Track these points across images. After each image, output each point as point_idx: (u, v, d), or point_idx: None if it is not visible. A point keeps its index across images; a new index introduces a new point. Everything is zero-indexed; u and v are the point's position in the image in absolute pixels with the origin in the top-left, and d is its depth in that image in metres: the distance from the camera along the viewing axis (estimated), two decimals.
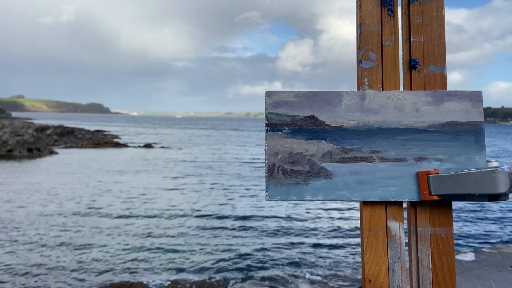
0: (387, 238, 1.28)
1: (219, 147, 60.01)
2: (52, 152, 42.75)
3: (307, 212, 18.59)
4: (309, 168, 1.13)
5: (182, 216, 17.93)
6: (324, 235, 15.25)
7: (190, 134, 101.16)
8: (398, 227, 1.30)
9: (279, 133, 1.13)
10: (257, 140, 75.59)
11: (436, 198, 1.19)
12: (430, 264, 1.27)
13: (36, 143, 45.31)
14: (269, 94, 1.17)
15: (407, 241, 1.34)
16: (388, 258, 1.28)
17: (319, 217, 17.82)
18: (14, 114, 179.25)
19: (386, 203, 1.26)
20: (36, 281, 10.79)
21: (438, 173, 1.19)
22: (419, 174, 1.19)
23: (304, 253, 13.12)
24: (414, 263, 1.30)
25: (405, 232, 1.33)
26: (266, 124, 1.15)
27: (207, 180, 28.18)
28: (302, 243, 14.10)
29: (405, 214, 1.35)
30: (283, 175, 1.14)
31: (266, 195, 1.16)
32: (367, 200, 1.22)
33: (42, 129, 59.53)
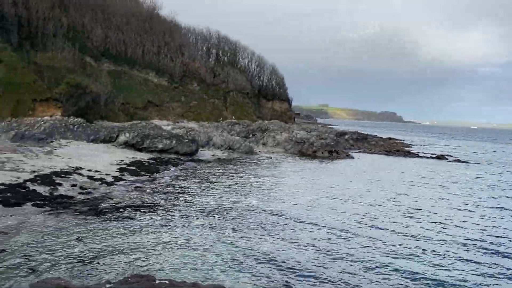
0: None
1: None
2: (348, 155, 47.22)
3: None
4: None
5: None
6: None
7: (489, 148, 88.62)
8: None
9: None
10: None
11: None
12: None
13: (335, 146, 51.02)
14: None
15: None
16: None
17: None
18: (319, 120, 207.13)
19: None
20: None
21: None
22: None
23: None
24: None
25: None
26: None
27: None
28: None
29: None
30: None
31: None
32: None
33: (341, 134, 66.31)
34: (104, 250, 12.48)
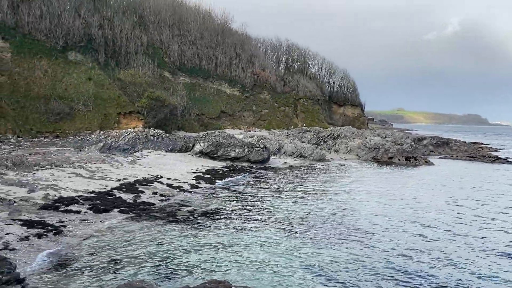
0: None
1: None
2: (427, 162, 44.54)
3: None
4: None
5: None
6: None
7: None
8: None
9: None
10: None
11: None
12: None
13: (413, 152, 48.42)
14: None
15: None
16: None
17: None
18: (395, 125, 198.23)
19: None
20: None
21: None
22: None
23: None
24: None
25: None
26: None
27: None
28: None
29: None
30: None
31: None
32: None
33: (419, 139, 62.82)
34: (183, 255, 13.06)
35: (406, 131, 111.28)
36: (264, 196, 23.02)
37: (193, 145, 35.88)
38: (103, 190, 20.39)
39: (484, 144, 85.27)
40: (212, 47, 66.05)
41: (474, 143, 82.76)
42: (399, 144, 49.71)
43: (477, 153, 58.39)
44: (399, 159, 44.23)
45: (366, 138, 52.83)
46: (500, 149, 73.90)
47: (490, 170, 41.53)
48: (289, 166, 37.61)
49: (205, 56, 63.79)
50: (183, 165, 30.52)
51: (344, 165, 40.25)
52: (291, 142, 45.49)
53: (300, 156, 42.54)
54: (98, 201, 18.40)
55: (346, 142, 50.80)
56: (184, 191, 23.09)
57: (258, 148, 36.89)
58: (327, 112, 77.63)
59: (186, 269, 11.92)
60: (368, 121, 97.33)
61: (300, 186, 26.82)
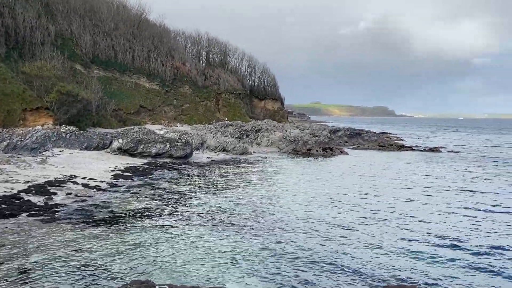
0: None
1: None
2: (342, 152, 47.31)
3: None
4: None
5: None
6: None
7: (481, 139, 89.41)
8: None
9: None
10: None
11: None
12: None
13: (329, 143, 51.11)
14: None
15: None
16: None
17: None
18: (312, 118, 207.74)
19: None
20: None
21: None
22: None
23: None
24: None
25: None
26: None
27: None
28: None
29: None
30: None
31: None
32: None
33: (335, 131, 66.42)
34: (103, 258, 12.38)
35: (323, 124, 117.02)
36: (188, 192, 22.70)
37: (111, 142, 34.10)
38: (9, 194, 18.54)
39: (392, 134, 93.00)
40: (129, 39, 63.19)
41: (383, 133, 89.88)
42: (316, 136, 52.11)
43: (386, 143, 63.45)
44: (317, 150, 46.38)
45: (286, 131, 54.60)
46: (405, 138, 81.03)
47: (394, 158, 45.32)
48: (213, 160, 37.51)
49: (121, 49, 60.80)
50: (100, 163, 28.89)
51: (266, 157, 41.18)
52: (213, 137, 45.38)
53: (223, 150, 42.63)
54: (3, 206, 16.69)
55: (267, 136, 51.99)
56: (102, 190, 21.88)
57: (180, 144, 36.22)
58: (249, 106, 78.68)
59: (107, 273, 11.32)
60: (287, 114, 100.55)
61: (224, 180, 26.90)
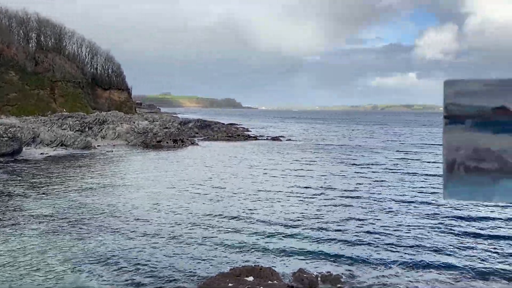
0: None
1: (344, 140, 58.90)
2: (193, 143, 47.53)
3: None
4: (498, 166, 0.99)
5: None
6: None
7: (314, 128, 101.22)
8: None
9: (461, 125, 1.02)
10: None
11: None
12: None
13: (180, 135, 50.76)
14: (450, 83, 1.05)
15: None
16: None
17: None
18: (163, 109, 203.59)
19: None
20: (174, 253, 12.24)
21: None
22: None
23: None
24: None
25: None
26: (445, 116, 1.04)
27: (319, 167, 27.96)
28: None
29: None
30: (466, 172, 1.03)
31: (444, 194, 1.05)
32: None
33: (185, 122, 66.44)
34: None
35: (174, 115, 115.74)
36: (18, 195, 19.63)
37: None
38: None
39: (239, 125, 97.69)
40: None
41: (231, 124, 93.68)
42: (167, 128, 51.18)
43: (234, 133, 66.27)
44: (167, 142, 45.57)
45: (134, 122, 52.14)
46: (251, 128, 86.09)
47: (240, 147, 47.77)
48: (49, 156, 33.36)
49: None
50: None
51: (112, 151, 38.60)
52: (49, 130, 40.39)
53: (61, 145, 38.32)
54: None
55: (113, 128, 48.77)
56: None
57: (6, 138, 31.19)
58: (91, 96, 72.47)
59: None
60: (136, 105, 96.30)
61: (63, 179, 24.15)
